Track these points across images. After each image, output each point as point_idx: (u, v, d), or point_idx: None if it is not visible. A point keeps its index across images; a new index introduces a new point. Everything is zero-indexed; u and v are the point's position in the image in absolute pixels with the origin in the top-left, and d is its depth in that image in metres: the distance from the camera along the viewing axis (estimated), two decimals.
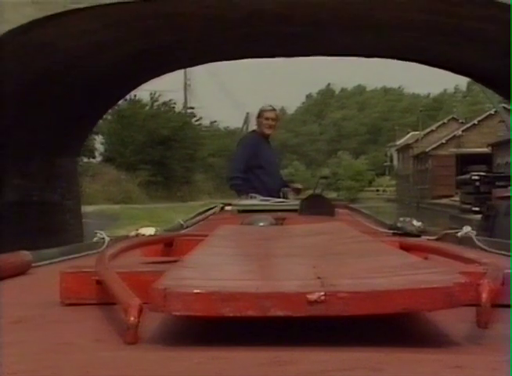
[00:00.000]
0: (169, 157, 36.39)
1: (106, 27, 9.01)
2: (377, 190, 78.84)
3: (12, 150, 10.74)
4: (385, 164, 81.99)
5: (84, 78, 11.09)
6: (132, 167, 34.27)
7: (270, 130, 5.93)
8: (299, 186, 6.22)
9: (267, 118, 5.90)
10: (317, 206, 4.33)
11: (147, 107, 38.79)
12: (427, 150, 50.82)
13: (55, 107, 11.45)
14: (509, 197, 14.07)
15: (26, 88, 9.99)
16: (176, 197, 34.67)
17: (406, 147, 61.74)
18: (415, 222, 3.21)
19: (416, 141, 56.75)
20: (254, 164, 5.75)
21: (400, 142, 68.46)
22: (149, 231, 2.80)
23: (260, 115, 5.96)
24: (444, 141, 50.05)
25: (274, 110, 6.05)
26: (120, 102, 25.25)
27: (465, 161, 43.92)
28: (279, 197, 5.44)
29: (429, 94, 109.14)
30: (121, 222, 19.86)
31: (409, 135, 65.29)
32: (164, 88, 52.22)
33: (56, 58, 9.62)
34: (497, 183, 23.41)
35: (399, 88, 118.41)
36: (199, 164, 41.74)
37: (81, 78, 11.00)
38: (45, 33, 8.49)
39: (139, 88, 16.28)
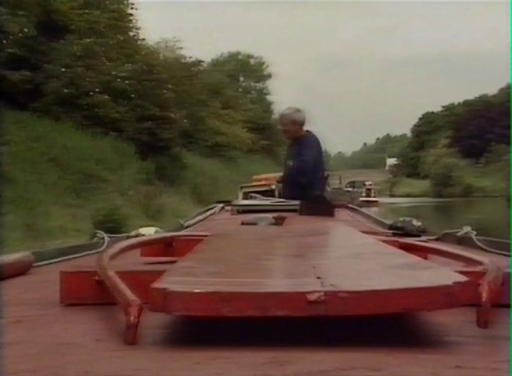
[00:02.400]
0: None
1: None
2: None
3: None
4: None
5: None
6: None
7: (284, 134, 6.08)
8: None
9: (280, 124, 6.05)
10: (317, 206, 4.32)
11: None
12: None
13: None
14: None
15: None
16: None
17: None
18: (415, 222, 3.20)
19: None
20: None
21: None
22: (149, 231, 2.80)
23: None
24: None
25: (284, 115, 6.11)
26: None
27: None
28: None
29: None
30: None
31: None
32: None
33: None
34: None
35: None
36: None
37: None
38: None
39: None
